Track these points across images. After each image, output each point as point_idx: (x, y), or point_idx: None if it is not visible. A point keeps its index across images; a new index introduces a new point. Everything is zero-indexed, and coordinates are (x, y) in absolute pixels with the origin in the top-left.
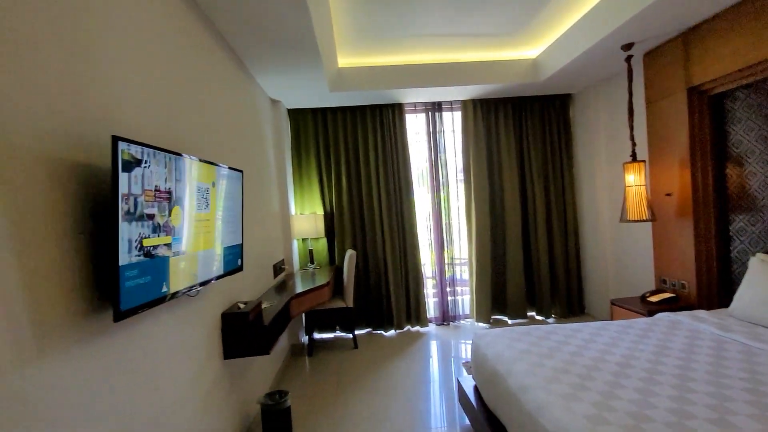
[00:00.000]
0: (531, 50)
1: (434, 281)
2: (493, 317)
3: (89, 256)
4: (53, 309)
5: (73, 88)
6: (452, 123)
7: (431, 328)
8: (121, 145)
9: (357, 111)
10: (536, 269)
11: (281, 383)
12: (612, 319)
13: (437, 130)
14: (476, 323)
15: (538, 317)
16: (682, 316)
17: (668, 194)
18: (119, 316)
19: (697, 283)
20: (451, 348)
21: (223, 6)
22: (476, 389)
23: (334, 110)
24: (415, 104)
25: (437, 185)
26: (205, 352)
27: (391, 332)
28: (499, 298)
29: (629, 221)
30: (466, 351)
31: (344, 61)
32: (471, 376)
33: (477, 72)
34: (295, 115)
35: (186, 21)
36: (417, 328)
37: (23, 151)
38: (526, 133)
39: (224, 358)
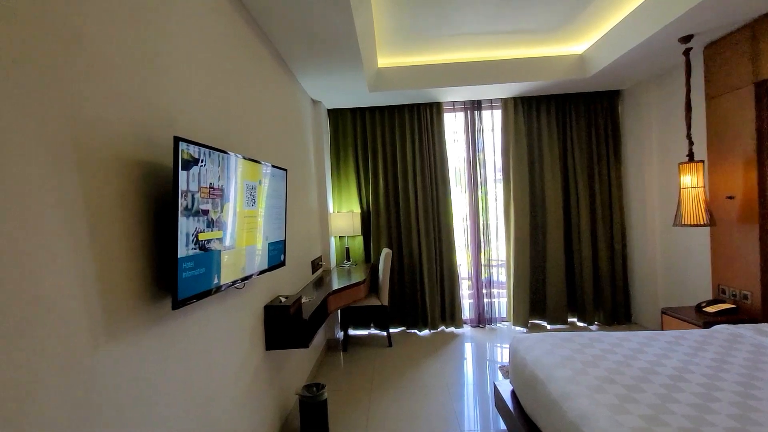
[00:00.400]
0: (578, 45)
1: (470, 282)
2: (531, 321)
3: (151, 248)
4: (121, 297)
5: (139, 93)
6: (492, 122)
7: (466, 329)
8: (182, 145)
9: (395, 110)
10: (579, 274)
11: (317, 376)
12: (662, 329)
13: (476, 128)
14: (513, 327)
15: (580, 324)
16: (745, 329)
17: (730, 197)
18: (177, 304)
19: (762, 294)
20: (487, 350)
21: (270, 9)
22: (514, 394)
23: (373, 110)
24: (453, 103)
25: (475, 185)
26: (250, 342)
27: (426, 332)
28: (538, 302)
29: (684, 226)
30: (502, 354)
31: (384, 61)
32: (508, 380)
33: (519, 69)
34: (335, 114)
35: (236, 26)
36: (451, 329)
37: (99, 151)
38: (570, 132)
39: (266, 349)
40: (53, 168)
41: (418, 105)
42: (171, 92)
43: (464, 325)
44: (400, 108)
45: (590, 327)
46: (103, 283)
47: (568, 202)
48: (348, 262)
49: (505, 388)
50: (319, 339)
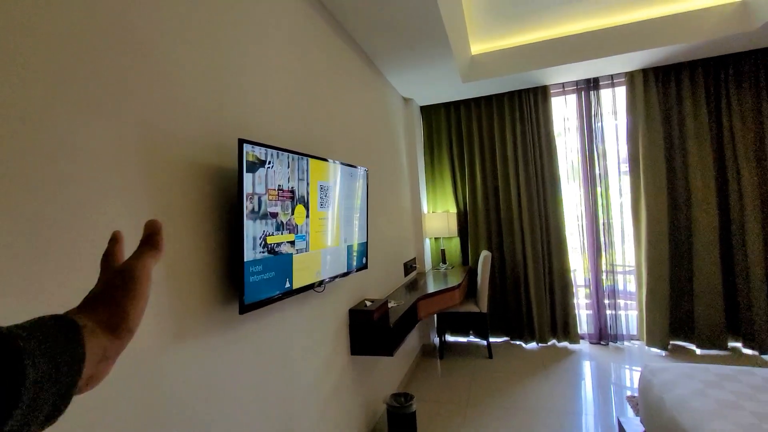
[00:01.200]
0: None
1: (587, 291)
2: (671, 342)
3: (222, 252)
4: (191, 299)
5: (208, 97)
6: (613, 102)
7: (583, 346)
8: (246, 147)
9: (493, 100)
10: (743, 285)
11: (410, 384)
12: None
13: (592, 113)
14: (647, 347)
15: (747, 351)
16: None
17: None
18: (244, 308)
19: None
20: (611, 374)
21: (351, 7)
22: None
23: (468, 102)
24: (563, 85)
25: (592, 179)
26: (332, 346)
27: (532, 345)
28: (682, 318)
29: None
30: (631, 380)
31: (477, 47)
32: (639, 419)
33: (650, 32)
34: (428, 111)
35: (314, 25)
36: (565, 343)
37: (169, 155)
38: (726, 104)
39: (351, 354)
40: (123, 171)
41: (520, 91)
42: (243, 95)
43: (581, 341)
44: (498, 97)
45: (763, 356)
46: (172, 284)
47: (726, 195)
48: (444, 265)
49: (635, 428)
50: (413, 343)
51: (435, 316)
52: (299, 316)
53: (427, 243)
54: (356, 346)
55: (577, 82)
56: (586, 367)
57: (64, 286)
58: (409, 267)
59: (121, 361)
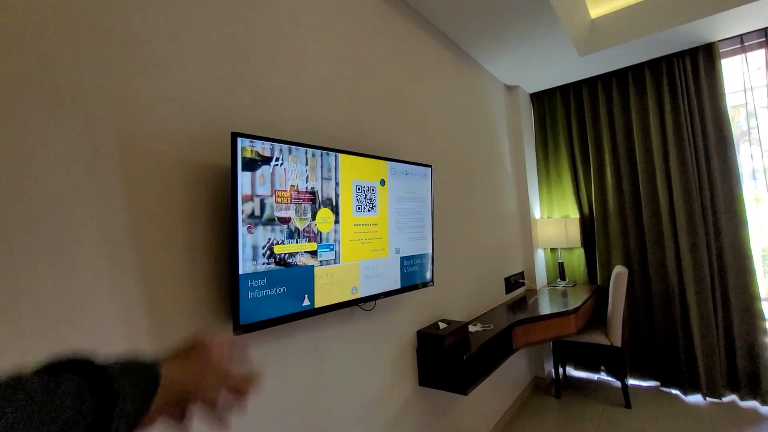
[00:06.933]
0: None
1: None
2: None
3: (215, 263)
4: (176, 315)
5: (210, 85)
6: None
7: None
8: (241, 142)
9: (627, 75)
10: None
11: (511, 427)
12: None
13: None
14: None
15: None
16: None
17: None
18: (239, 329)
19: None
20: None
21: None
22: None
23: (592, 82)
24: (741, 37)
25: None
26: (390, 374)
27: (695, 397)
28: None
29: None
30: None
31: (599, 10)
32: None
33: None
34: (540, 98)
35: (377, 12)
36: (753, 403)
37: (161, 157)
38: None
39: (420, 385)
40: (97, 177)
41: (667, 57)
42: (260, 80)
43: None
44: (634, 69)
45: None
46: (154, 295)
47: None
48: (562, 282)
49: None
50: (520, 374)
51: (551, 342)
52: (335, 338)
53: (541, 254)
54: (425, 376)
55: (765, 30)
56: None
57: (29, 299)
58: (513, 283)
59: None
